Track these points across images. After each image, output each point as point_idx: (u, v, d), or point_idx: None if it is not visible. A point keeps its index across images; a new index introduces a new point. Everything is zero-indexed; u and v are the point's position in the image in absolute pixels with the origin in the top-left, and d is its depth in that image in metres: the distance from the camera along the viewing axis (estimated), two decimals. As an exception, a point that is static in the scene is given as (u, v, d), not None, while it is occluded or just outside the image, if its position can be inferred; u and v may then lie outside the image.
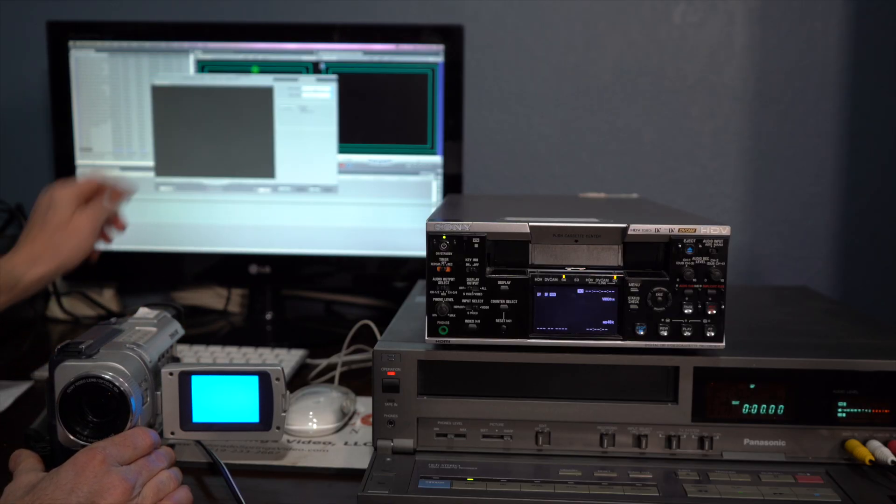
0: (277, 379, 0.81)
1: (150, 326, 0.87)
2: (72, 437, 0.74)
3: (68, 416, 0.75)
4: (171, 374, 0.81)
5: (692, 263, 0.78)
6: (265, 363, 1.00)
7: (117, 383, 0.74)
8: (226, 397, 0.81)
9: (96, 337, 0.80)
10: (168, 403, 0.81)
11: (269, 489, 0.81)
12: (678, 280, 0.78)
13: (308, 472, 0.84)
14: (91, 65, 1.30)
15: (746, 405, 0.81)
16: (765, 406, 0.81)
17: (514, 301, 0.79)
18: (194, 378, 0.81)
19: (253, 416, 0.82)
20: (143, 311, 0.90)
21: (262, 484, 0.82)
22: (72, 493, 0.65)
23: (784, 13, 1.43)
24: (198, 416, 0.81)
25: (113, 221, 1.12)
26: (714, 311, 0.78)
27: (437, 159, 1.29)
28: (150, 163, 1.31)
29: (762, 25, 1.43)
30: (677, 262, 0.78)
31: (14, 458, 0.75)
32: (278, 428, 0.82)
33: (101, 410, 0.75)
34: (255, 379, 0.81)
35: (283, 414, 0.82)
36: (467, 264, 0.79)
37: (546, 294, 0.79)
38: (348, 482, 0.81)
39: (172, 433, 0.81)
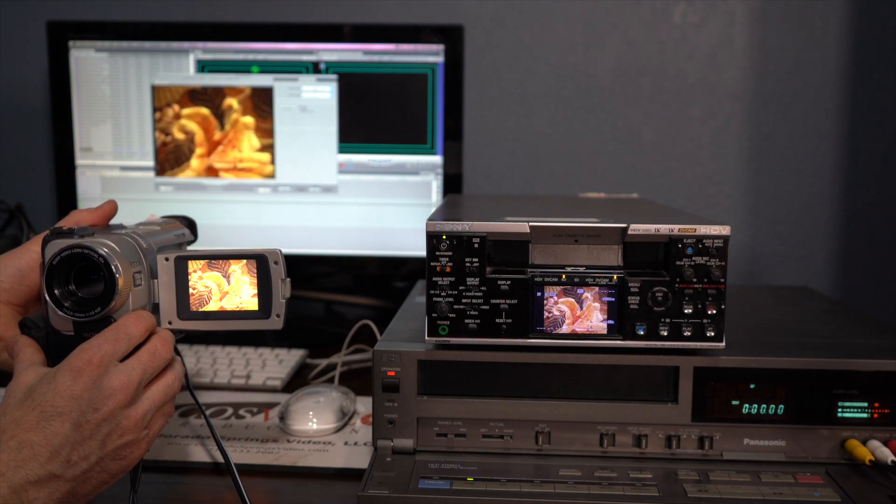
0: (276, 262, 0.76)
1: (154, 226, 0.83)
2: (60, 313, 0.69)
3: (55, 292, 0.69)
4: (166, 259, 0.76)
5: (692, 263, 0.78)
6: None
7: (102, 252, 0.69)
8: None
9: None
10: (164, 291, 0.76)
11: (269, 489, 0.81)
12: (678, 280, 0.78)
13: (308, 472, 0.84)
14: (91, 65, 1.30)
15: (746, 405, 0.81)
16: (765, 406, 0.81)
17: (514, 301, 0.79)
18: (190, 263, 0.77)
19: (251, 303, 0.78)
20: (150, 218, 0.86)
21: (262, 484, 0.82)
22: (73, 400, 0.62)
23: (784, 13, 1.43)
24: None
25: None
26: (714, 311, 0.78)
27: (437, 159, 1.29)
28: (151, 163, 1.31)
29: (762, 25, 1.43)
30: (677, 262, 0.78)
31: (11, 343, 0.71)
32: (278, 316, 0.77)
33: (91, 288, 0.71)
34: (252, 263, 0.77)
35: (283, 301, 0.77)
36: (467, 264, 0.79)
37: (546, 294, 0.79)
38: (348, 482, 0.81)
39: (170, 323, 0.77)
